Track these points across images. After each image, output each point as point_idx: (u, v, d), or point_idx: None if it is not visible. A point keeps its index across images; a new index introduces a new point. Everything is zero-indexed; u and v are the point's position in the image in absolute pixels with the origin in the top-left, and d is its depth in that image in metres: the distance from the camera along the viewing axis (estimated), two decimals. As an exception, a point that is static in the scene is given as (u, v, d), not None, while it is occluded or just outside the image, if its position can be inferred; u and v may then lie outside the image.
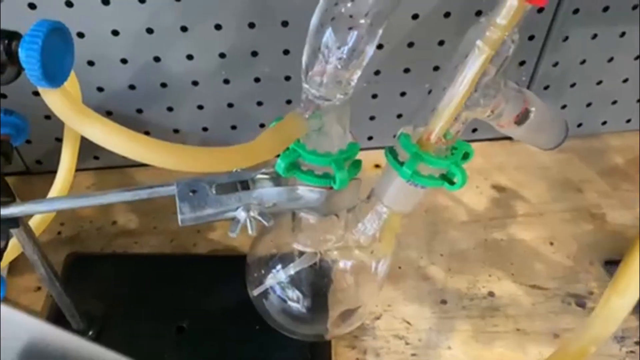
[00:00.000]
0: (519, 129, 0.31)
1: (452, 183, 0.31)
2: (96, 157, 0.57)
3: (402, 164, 0.31)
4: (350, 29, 0.26)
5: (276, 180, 0.31)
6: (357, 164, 0.31)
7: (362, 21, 0.26)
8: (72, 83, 0.38)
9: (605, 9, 0.50)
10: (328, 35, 0.26)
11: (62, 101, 0.24)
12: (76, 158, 0.43)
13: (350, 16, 0.26)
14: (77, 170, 0.58)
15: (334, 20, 0.26)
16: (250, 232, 0.29)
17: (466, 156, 0.32)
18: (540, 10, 0.49)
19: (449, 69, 0.29)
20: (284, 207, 0.31)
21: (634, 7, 0.50)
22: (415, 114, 0.32)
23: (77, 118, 0.24)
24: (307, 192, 0.30)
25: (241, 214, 0.29)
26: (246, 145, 0.25)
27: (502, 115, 0.31)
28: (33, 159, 0.56)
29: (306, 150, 0.29)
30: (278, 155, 0.29)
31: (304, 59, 0.27)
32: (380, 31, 0.26)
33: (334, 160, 0.29)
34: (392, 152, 0.32)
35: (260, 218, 0.29)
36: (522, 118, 0.31)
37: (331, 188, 0.30)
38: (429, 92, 0.54)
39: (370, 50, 0.26)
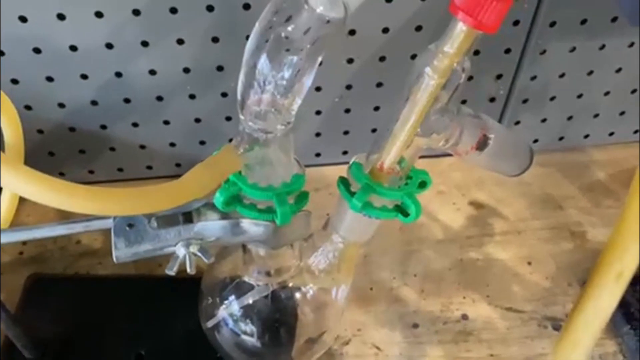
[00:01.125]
0: (478, 156, 0.30)
1: (406, 215, 0.29)
2: (62, 173, 0.55)
3: (353, 194, 0.29)
4: (287, 53, 0.24)
5: (222, 212, 0.29)
6: (304, 197, 0.29)
7: (300, 46, 0.24)
8: (11, 121, 0.36)
9: (583, 21, 0.48)
10: (263, 61, 0.24)
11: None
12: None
13: (287, 41, 0.24)
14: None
15: (269, 45, 0.24)
16: (189, 270, 0.27)
17: (423, 185, 0.30)
18: (516, 23, 0.48)
19: (400, 97, 0.27)
20: (228, 241, 0.29)
21: (613, 20, 0.48)
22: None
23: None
24: (252, 225, 0.28)
25: (180, 250, 0.28)
26: (173, 184, 0.24)
27: (459, 143, 0.29)
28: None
29: (247, 183, 0.27)
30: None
31: (239, 88, 0.25)
32: (320, 58, 0.24)
33: (275, 194, 0.27)
34: (344, 182, 0.30)
35: (200, 254, 0.28)
36: (481, 145, 0.29)
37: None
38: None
39: (309, 78, 0.24)
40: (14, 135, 0.37)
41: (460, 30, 0.24)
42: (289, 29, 0.24)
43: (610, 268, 0.26)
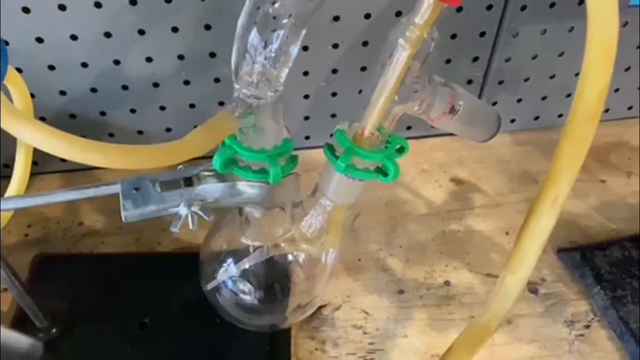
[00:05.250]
0: (449, 122, 0.33)
1: (385, 175, 0.32)
2: (63, 160, 0.58)
3: (338, 157, 0.32)
4: (274, 29, 0.27)
5: (220, 176, 0.32)
6: (293, 159, 0.32)
7: (286, 21, 0.27)
8: (21, 90, 0.39)
9: (552, 5, 0.51)
10: (253, 35, 0.27)
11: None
12: (30, 160, 0.44)
13: (274, 17, 0.27)
14: (45, 172, 0.59)
15: (259, 21, 0.27)
16: (191, 227, 0.30)
17: (401, 150, 0.33)
18: (489, 7, 0.51)
19: (376, 67, 0.30)
20: (226, 203, 0.32)
21: (580, 3, 0.52)
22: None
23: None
24: (247, 187, 0.31)
25: (183, 210, 0.30)
26: (175, 143, 0.27)
27: (432, 109, 0.32)
28: (1, 163, 0.57)
29: (241, 146, 0.30)
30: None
31: (233, 59, 0.28)
32: (304, 31, 0.27)
33: (268, 156, 0.30)
34: (330, 147, 0.33)
35: (201, 213, 0.30)
36: (451, 110, 0.32)
37: (268, 182, 0.31)
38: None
39: (295, 49, 0.27)
40: (23, 99, 0.40)
41: (428, 4, 0.27)
42: (276, 5, 0.27)
43: (548, 193, 0.30)
